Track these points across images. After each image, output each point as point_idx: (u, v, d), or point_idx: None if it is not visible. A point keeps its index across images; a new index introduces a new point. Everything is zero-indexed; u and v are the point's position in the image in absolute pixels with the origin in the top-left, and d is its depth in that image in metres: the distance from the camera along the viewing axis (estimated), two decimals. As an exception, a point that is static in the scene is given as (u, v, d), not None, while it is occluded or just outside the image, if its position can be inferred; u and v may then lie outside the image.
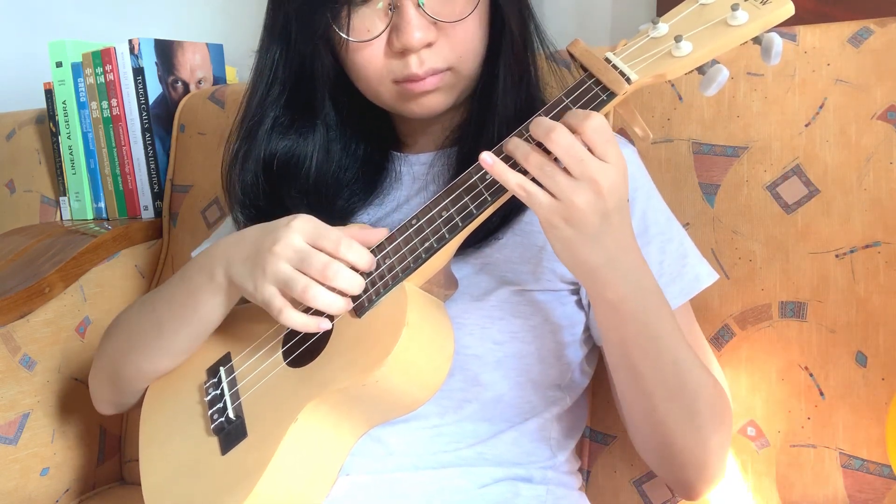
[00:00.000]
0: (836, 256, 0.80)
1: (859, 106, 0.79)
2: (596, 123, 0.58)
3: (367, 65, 0.73)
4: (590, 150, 0.58)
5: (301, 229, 0.66)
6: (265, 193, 0.81)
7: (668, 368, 0.67)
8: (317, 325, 0.66)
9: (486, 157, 0.60)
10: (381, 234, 0.68)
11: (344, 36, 0.71)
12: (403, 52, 0.70)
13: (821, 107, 0.81)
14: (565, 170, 0.58)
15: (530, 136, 0.60)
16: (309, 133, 0.80)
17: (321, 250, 0.65)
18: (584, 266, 0.62)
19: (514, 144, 0.61)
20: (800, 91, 0.82)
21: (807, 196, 0.82)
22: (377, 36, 0.71)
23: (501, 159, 0.61)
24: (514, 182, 0.59)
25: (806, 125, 0.82)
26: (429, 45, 0.70)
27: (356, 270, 0.66)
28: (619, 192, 0.59)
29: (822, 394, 0.80)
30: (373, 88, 0.75)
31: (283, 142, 0.80)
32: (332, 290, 0.65)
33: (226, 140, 0.85)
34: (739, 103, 0.85)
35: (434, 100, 0.74)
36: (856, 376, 0.78)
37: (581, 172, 0.57)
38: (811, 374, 0.80)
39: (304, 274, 0.65)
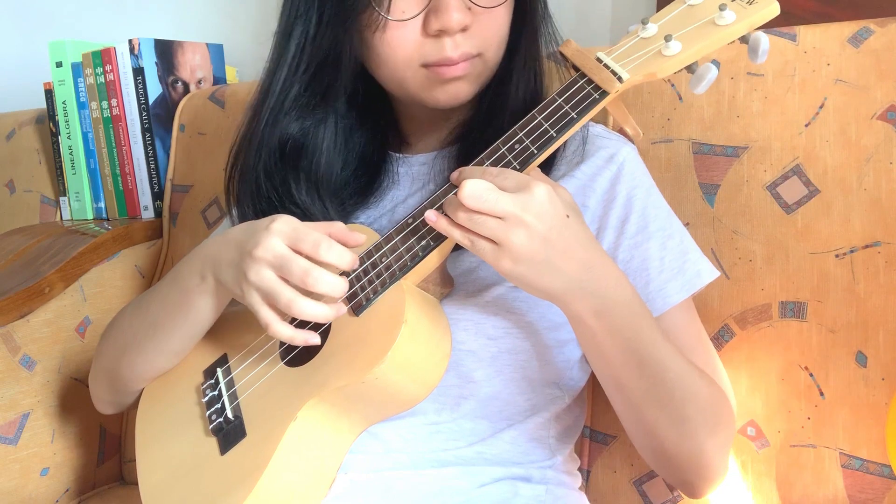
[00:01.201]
0: (836, 256, 0.80)
1: (859, 106, 0.79)
2: (470, 183, 0.59)
3: (399, 47, 0.72)
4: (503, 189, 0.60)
5: (280, 231, 0.65)
6: (273, 186, 0.79)
7: (652, 379, 0.67)
8: (304, 339, 0.66)
9: (430, 215, 0.63)
10: (361, 237, 0.68)
11: (383, 15, 0.70)
12: (439, 34, 0.71)
13: (821, 107, 0.81)
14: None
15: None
16: (320, 124, 0.80)
17: (300, 253, 0.65)
18: (547, 294, 0.63)
19: (448, 202, 0.63)
20: (800, 91, 0.82)
21: (807, 196, 0.82)
22: (415, 16, 0.70)
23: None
24: (458, 236, 0.62)
25: (806, 125, 0.82)
26: (464, 29, 0.71)
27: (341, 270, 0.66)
28: (548, 212, 0.60)
29: (822, 394, 0.80)
30: (399, 74, 0.74)
31: (295, 125, 0.79)
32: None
33: (237, 130, 0.83)
34: (739, 103, 0.85)
35: (460, 87, 0.74)
36: (856, 376, 0.78)
37: (501, 212, 0.59)
38: (811, 374, 0.80)
39: (286, 281, 0.65)
